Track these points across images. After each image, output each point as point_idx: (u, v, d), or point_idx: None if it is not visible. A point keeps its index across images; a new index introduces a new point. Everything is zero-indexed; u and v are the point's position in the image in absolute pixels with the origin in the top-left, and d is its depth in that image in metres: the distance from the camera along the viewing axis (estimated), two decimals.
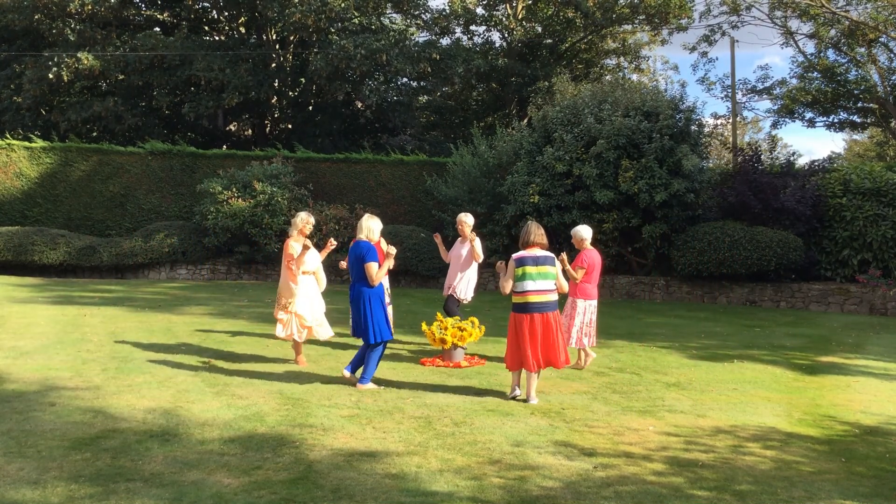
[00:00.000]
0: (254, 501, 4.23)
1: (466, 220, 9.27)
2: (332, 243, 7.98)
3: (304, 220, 8.01)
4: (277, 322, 8.09)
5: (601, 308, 14.18)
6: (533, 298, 6.56)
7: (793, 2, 25.40)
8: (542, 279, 6.59)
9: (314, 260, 8.08)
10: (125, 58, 22.90)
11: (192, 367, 7.74)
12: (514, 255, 6.64)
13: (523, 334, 6.54)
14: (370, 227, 7.28)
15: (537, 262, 6.60)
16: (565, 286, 6.87)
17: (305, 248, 7.79)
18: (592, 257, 8.45)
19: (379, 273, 7.03)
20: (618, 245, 16.30)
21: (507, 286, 6.60)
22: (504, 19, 27.29)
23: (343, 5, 22.76)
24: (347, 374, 7.18)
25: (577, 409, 6.37)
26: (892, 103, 26.98)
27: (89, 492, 4.31)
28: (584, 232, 8.63)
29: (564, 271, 7.76)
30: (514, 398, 6.66)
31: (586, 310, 8.38)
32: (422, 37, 27.02)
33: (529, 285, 6.55)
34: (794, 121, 30.34)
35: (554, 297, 6.68)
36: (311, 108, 27.15)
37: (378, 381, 7.27)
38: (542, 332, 6.57)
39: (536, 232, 6.74)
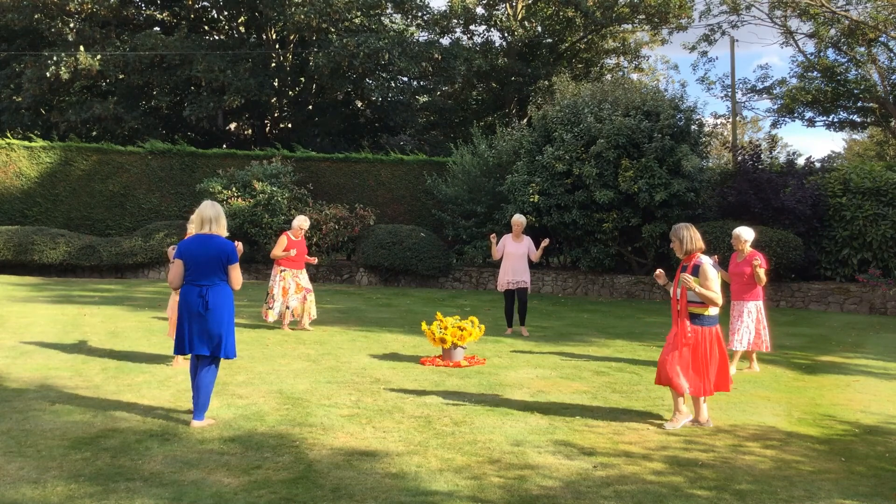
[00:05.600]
0: (254, 501, 4.23)
1: (522, 220, 10.51)
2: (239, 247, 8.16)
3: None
4: None
5: (602, 308, 14.25)
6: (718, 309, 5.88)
7: (793, 1, 25.41)
8: None
9: None
10: (125, 57, 22.90)
11: None
12: (710, 261, 5.83)
13: (714, 351, 5.85)
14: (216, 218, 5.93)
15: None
16: None
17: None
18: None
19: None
20: (618, 244, 16.30)
21: (720, 295, 5.77)
22: (504, 19, 27.30)
23: (345, 4, 22.77)
24: (210, 421, 5.71)
25: (577, 409, 6.37)
26: (891, 103, 26.98)
27: (89, 491, 4.31)
28: (747, 234, 8.24)
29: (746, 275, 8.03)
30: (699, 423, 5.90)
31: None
32: (421, 36, 27.05)
33: None
34: (794, 120, 30.40)
35: None
36: (310, 107, 27.17)
37: (377, 380, 7.27)
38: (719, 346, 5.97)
39: (700, 236, 5.94)
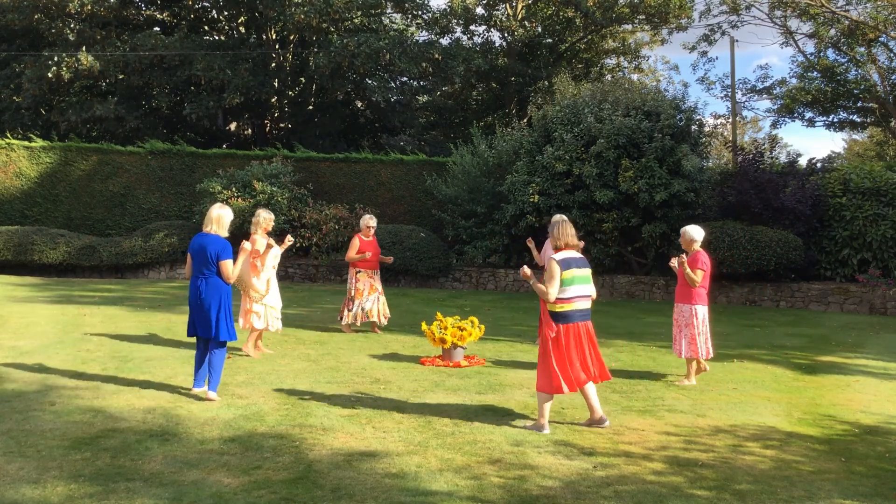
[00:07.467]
0: (254, 501, 4.23)
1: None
2: (290, 240, 8.49)
3: (268, 219, 8.55)
4: (251, 314, 8.33)
5: (602, 308, 14.22)
6: (580, 305, 5.89)
7: (792, 1, 25.42)
8: (586, 283, 5.94)
9: (276, 256, 8.51)
10: (125, 58, 22.90)
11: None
12: (558, 257, 5.84)
13: (570, 347, 5.84)
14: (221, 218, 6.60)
15: (580, 264, 5.92)
16: (594, 293, 6.09)
17: (269, 245, 8.34)
18: (708, 259, 7.78)
19: (235, 270, 6.54)
20: (618, 245, 16.29)
21: (554, 291, 5.76)
22: (504, 19, 27.29)
23: (345, 4, 22.77)
24: (200, 390, 6.56)
25: (577, 409, 6.37)
26: (891, 103, 26.99)
27: (89, 491, 4.31)
28: (694, 233, 7.76)
29: (684, 274, 7.54)
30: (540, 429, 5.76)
31: (706, 317, 7.71)
32: (421, 36, 27.04)
33: (576, 290, 5.84)
34: (794, 120, 30.42)
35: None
36: (310, 107, 27.17)
37: (377, 380, 7.27)
38: (589, 341, 5.98)
39: (572, 232, 6.00)
